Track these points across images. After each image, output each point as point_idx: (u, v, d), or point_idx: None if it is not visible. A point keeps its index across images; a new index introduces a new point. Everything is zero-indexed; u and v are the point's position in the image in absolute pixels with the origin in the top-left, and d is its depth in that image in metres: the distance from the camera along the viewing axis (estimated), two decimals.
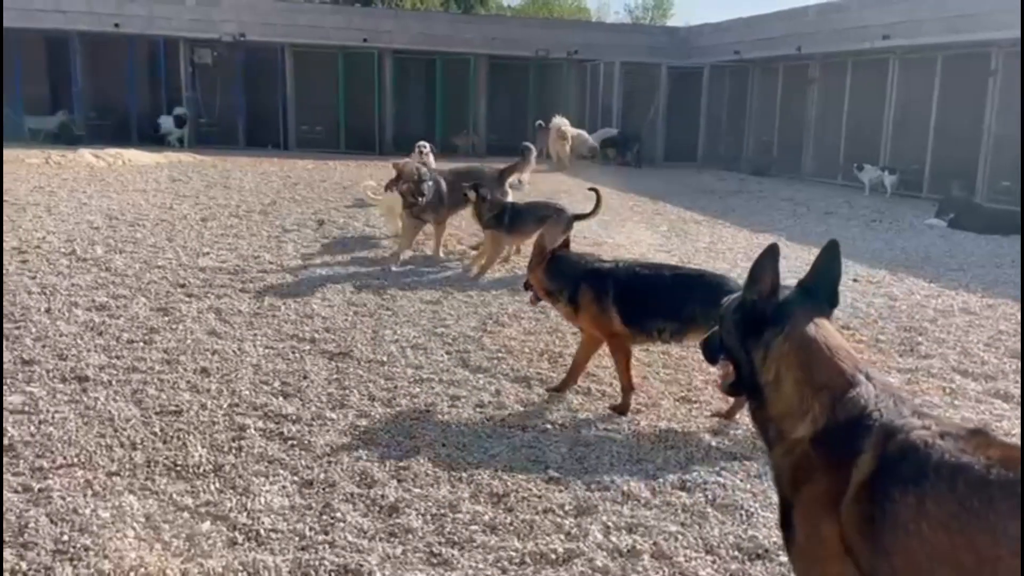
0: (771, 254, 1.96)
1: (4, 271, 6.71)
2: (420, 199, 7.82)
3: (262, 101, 21.65)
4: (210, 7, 22.03)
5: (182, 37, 20.64)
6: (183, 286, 6.55)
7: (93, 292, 6.23)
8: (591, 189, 7.63)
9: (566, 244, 4.74)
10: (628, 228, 10.58)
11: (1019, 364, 5.25)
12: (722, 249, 9.29)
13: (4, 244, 7.73)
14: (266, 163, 17.14)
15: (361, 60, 21.92)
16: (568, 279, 4.42)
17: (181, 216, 9.94)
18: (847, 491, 1.76)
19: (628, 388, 4.35)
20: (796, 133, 18.95)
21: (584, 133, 20.09)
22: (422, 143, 12.87)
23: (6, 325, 5.32)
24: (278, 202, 11.54)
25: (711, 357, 2.23)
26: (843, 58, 17.38)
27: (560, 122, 19.12)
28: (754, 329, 1.95)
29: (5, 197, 10.69)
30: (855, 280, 7.67)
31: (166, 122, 20.38)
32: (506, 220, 7.47)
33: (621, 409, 4.32)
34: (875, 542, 1.73)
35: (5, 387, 4.29)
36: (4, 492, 3.21)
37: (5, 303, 5.80)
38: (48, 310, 5.71)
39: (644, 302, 4.23)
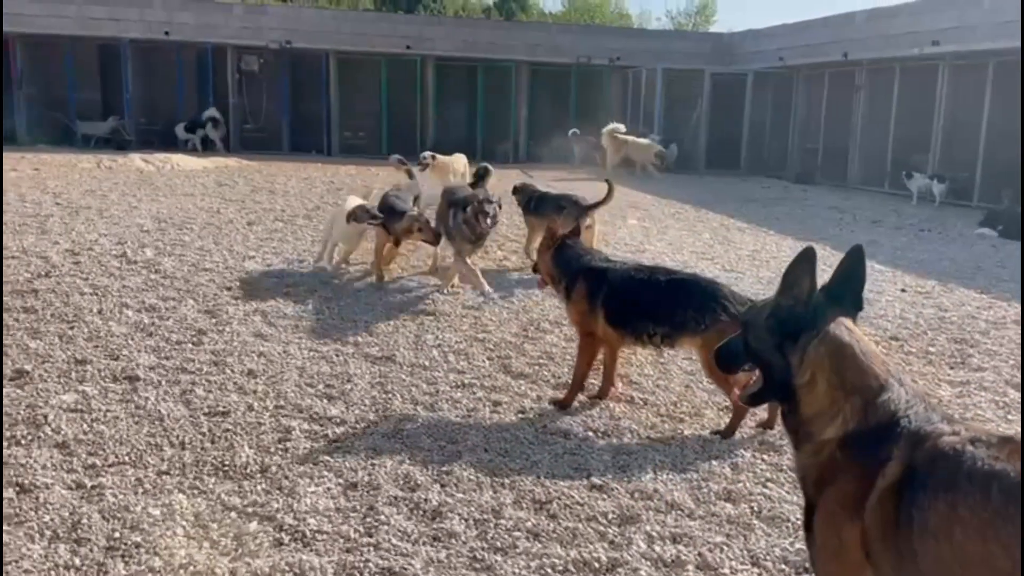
0: (807, 259, 1.98)
1: (58, 272, 6.88)
2: (486, 224, 6.81)
3: (306, 107, 21.93)
4: (258, 15, 22.43)
5: (230, 44, 21.01)
6: (230, 289, 6.66)
7: (143, 294, 6.37)
8: (605, 180, 8.29)
9: (576, 232, 4.75)
10: (670, 235, 10.51)
11: None
12: (766, 257, 9.18)
13: (59, 246, 7.93)
14: (310, 168, 17.36)
15: (404, 67, 22.11)
16: (568, 270, 4.49)
17: (227, 220, 10.11)
18: (871, 495, 1.77)
19: (577, 387, 4.44)
20: (842, 140, 18.66)
21: (647, 140, 19.59)
22: (427, 154, 12.48)
23: (60, 325, 5.46)
24: (322, 207, 11.67)
25: (731, 365, 2.27)
26: (891, 64, 17.08)
27: (615, 128, 18.88)
28: (791, 333, 1.96)
29: (58, 200, 10.99)
30: (903, 290, 7.53)
31: (179, 130, 20.58)
32: (532, 207, 8.36)
33: (561, 403, 4.39)
34: (900, 548, 1.73)
35: (60, 386, 4.40)
36: (59, 489, 3.29)
37: (59, 304, 5.95)
38: (100, 311, 5.84)
39: (635, 305, 4.25)
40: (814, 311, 1.95)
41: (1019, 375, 5.16)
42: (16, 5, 19.76)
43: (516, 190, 8.90)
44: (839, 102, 18.83)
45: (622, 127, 19.17)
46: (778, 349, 1.98)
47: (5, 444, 3.66)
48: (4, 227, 8.80)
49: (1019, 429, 4.29)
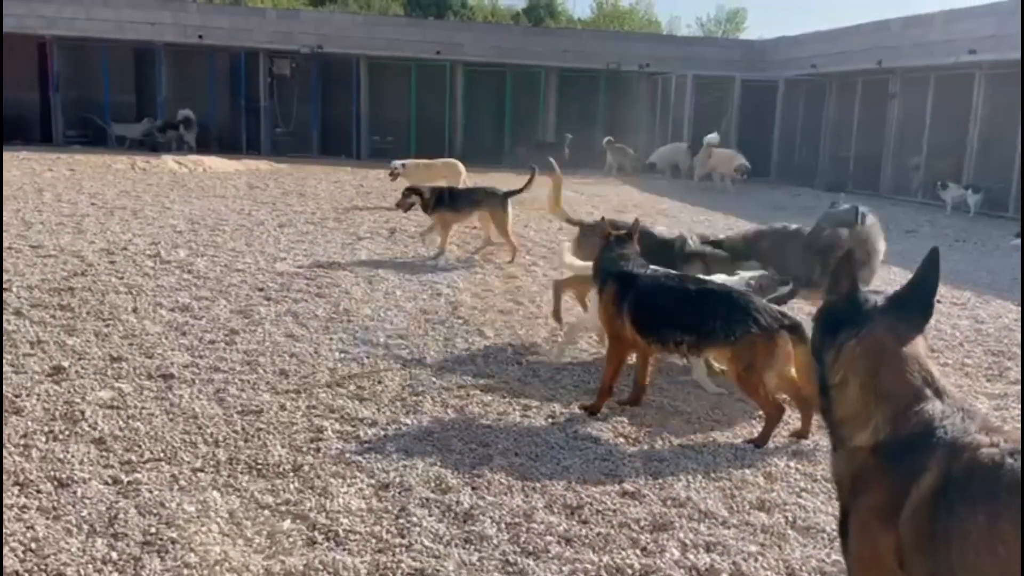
0: (847, 259, 1.98)
1: (94, 271, 6.99)
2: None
3: (336, 111, 22.13)
4: (291, 20, 22.69)
5: (262, 49, 21.26)
6: (261, 290, 6.72)
7: (176, 293, 6.44)
8: (531, 167, 8.90)
9: (632, 232, 4.69)
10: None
11: None
12: None
13: (95, 246, 8.06)
14: (339, 172, 17.48)
15: (433, 72, 22.23)
16: (603, 271, 4.51)
17: (259, 222, 10.20)
18: (906, 506, 1.74)
19: (605, 392, 4.41)
20: (875, 149, 18.45)
21: (731, 152, 18.50)
22: (396, 162, 12.49)
23: (96, 323, 5.54)
24: (351, 210, 11.76)
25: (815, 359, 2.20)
26: (926, 73, 16.87)
27: (712, 138, 18.01)
28: (831, 331, 1.96)
29: (94, 201, 11.17)
30: (939, 301, 7.38)
31: (148, 125, 20.59)
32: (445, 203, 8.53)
33: (591, 409, 4.38)
34: (936, 559, 1.70)
35: (96, 382, 4.46)
36: (96, 484, 3.33)
37: (95, 302, 6.04)
38: (135, 309, 5.92)
39: (663, 312, 4.24)
40: (856, 311, 1.93)
41: None
42: (53, 8, 20.16)
43: (413, 191, 8.78)
44: (872, 110, 18.64)
45: (717, 137, 18.30)
46: (820, 344, 1.99)
47: (43, 439, 3.71)
48: (42, 227, 8.96)
49: None
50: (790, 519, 3.31)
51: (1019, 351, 5.88)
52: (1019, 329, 6.53)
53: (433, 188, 8.88)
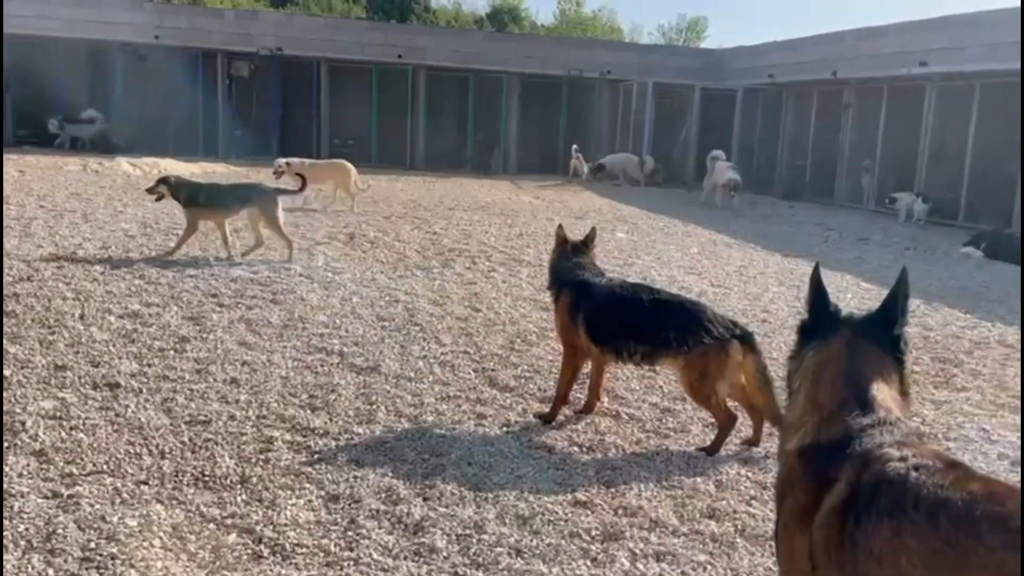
0: (815, 273, 2.08)
1: (40, 276, 6.81)
2: None
3: (296, 114, 21.92)
4: (249, 21, 22.44)
5: (220, 50, 20.96)
6: (215, 296, 6.61)
7: (126, 299, 6.30)
8: (298, 174, 9.18)
9: (588, 240, 4.72)
10: (658, 249, 10.52)
11: None
12: (753, 273, 9.20)
13: (42, 250, 7.86)
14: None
15: (395, 76, 22.13)
16: (558, 279, 4.50)
17: (214, 226, 10.02)
18: (819, 512, 1.80)
19: (560, 400, 4.44)
20: (830, 158, 18.79)
21: (726, 164, 17.10)
22: (280, 160, 12.15)
23: (40, 330, 5.40)
24: (309, 214, 11.63)
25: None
26: (879, 84, 17.23)
27: (717, 154, 17.20)
28: (801, 344, 2.07)
29: (43, 203, 10.91)
30: None
31: (53, 125, 20.05)
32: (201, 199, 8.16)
33: (546, 417, 4.38)
34: (843, 569, 1.75)
35: (39, 392, 4.34)
36: (35, 497, 3.23)
37: (40, 308, 5.89)
38: (82, 316, 5.78)
39: (617, 322, 4.25)
40: (823, 326, 2.01)
41: (1001, 396, 5.18)
42: (6, 6, 19.64)
43: (162, 181, 8.29)
44: (827, 120, 18.99)
45: (722, 153, 17.49)
46: (791, 357, 2.10)
47: None
48: None
49: (1001, 451, 4.30)
50: (739, 527, 3.33)
51: (966, 359, 6.01)
52: (965, 337, 6.67)
53: (185, 181, 8.61)
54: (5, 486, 3.29)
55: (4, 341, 5.10)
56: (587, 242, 4.72)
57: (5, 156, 15.98)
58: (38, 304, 5.97)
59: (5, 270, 6.90)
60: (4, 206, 10.38)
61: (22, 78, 20.18)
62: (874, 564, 1.69)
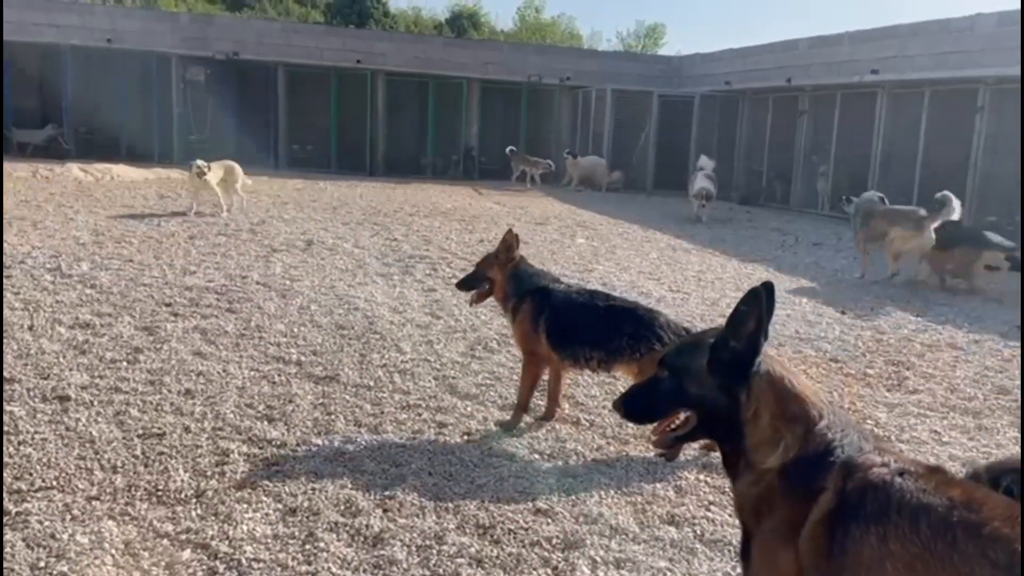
0: (755, 299, 1.97)
1: None
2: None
3: (254, 119, 21.62)
4: (205, 25, 22.11)
5: (175, 54, 20.63)
6: (169, 305, 6.49)
7: (77, 309, 6.16)
8: None
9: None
10: (618, 255, 10.59)
11: (1006, 400, 5.26)
12: (711, 278, 9.30)
13: None
14: (256, 182, 17.04)
15: (354, 81, 21.98)
16: (517, 290, 4.47)
17: (168, 233, 9.88)
18: (805, 524, 1.80)
19: (521, 408, 4.47)
20: (786, 164, 19.10)
21: (703, 174, 16.04)
22: (199, 163, 11.89)
23: None
24: (267, 221, 11.50)
25: (652, 414, 2.12)
26: (832, 91, 17.57)
27: (702, 164, 16.34)
28: (739, 371, 1.95)
29: None
30: (843, 312, 7.70)
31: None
32: None
33: (507, 425, 4.40)
34: None
35: None
36: None
37: None
38: (31, 327, 5.64)
39: (574, 329, 4.26)
40: (755, 350, 1.96)
41: (952, 397, 5.30)
42: None
43: None
44: (783, 126, 19.31)
45: (709, 160, 16.51)
46: (725, 391, 1.97)
47: None
48: None
49: (952, 452, 4.39)
50: (699, 533, 3.36)
51: (917, 361, 6.14)
52: (917, 340, 6.82)
53: None
54: None
55: None
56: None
57: None
58: (2, 305, 5.81)
59: None
60: None
61: None
62: (863, 571, 1.71)
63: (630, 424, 4.51)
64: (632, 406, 2.13)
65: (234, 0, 39.87)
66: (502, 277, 4.55)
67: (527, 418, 4.51)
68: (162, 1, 33.83)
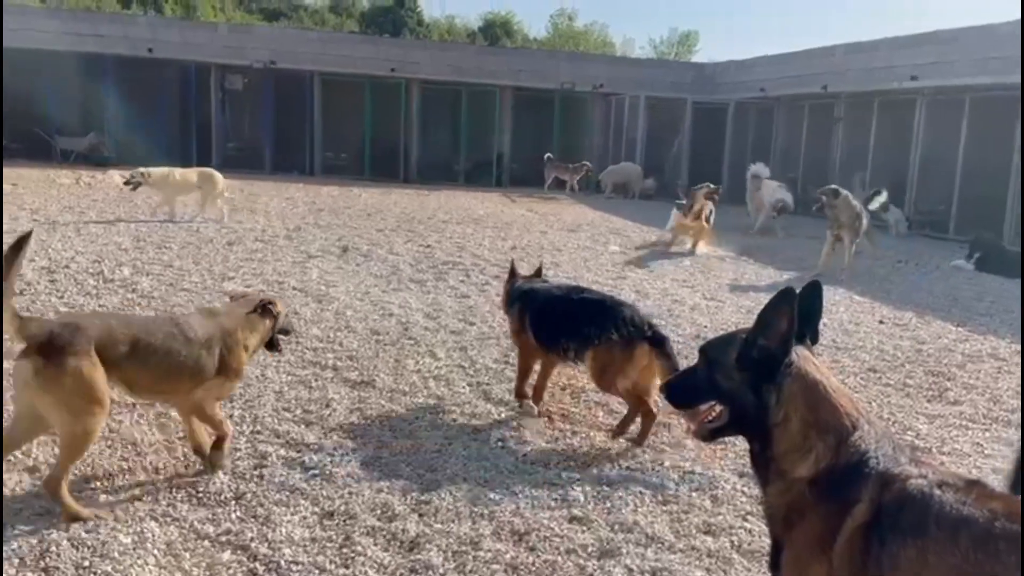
0: (787, 299, 1.96)
1: (33, 290, 6.79)
2: None
3: (289, 127, 21.94)
4: (243, 35, 22.49)
5: (214, 63, 21.00)
6: None
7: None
8: None
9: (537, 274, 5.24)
10: (652, 262, 10.53)
11: None
12: (746, 286, 9.23)
13: (35, 263, 7.83)
14: (291, 188, 17.31)
15: (388, 89, 22.20)
16: (513, 297, 4.93)
17: (207, 239, 10.04)
18: (839, 536, 1.78)
19: (517, 394, 4.81)
20: (822, 171, 18.89)
21: (775, 183, 15.45)
22: (140, 170, 11.48)
23: None
24: (303, 227, 11.63)
25: (690, 402, 2.18)
26: (870, 97, 17.36)
27: (760, 170, 15.62)
28: (768, 373, 1.94)
29: (36, 217, 10.88)
30: (881, 322, 7.59)
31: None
32: None
33: (523, 411, 4.70)
34: None
35: None
36: (28, 514, 3.21)
37: None
38: None
39: (552, 322, 4.62)
40: (787, 351, 1.95)
41: (995, 409, 5.20)
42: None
43: None
44: (819, 132, 19.11)
45: (764, 167, 15.76)
46: (752, 388, 1.96)
47: None
48: None
49: (996, 465, 4.31)
50: (736, 543, 3.33)
51: (958, 372, 6.04)
52: (957, 350, 6.70)
53: None
54: None
55: None
56: (537, 274, 5.21)
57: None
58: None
59: None
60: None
61: (14, 90, 20.14)
62: None
63: (664, 432, 4.50)
64: (673, 389, 2.20)
65: (271, 10, 40.46)
66: (505, 289, 5.14)
67: (561, 425, 4.52)
68: (201, 11, 34.43)
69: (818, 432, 1.88)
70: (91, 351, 3.07)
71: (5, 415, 3.49)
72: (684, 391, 2.15)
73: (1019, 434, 4.66)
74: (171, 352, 3.34)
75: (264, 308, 3.74)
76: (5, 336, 2.98)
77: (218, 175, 12.20)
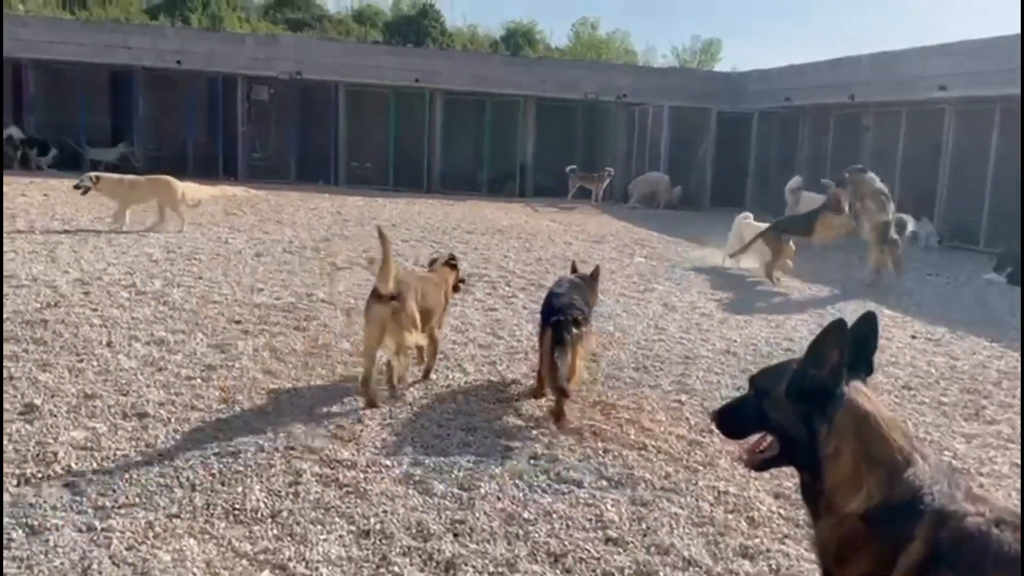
0: (837, 330, 1.95)
1: (68, 302, 6.88)
2: None
3: (314, 137, 22.14)
4: (269, 46, 22.69)
5: (240, 74, 21.23)
6: (239, 322, 6.64)
7: (152, 326, 6.35)
8: None
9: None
10: (677, 273, 10.48)
11: None
12: (776, 300, 9.16)
13: (69, 275, 7.94)
14: (317, 199, 17.42)
15: (412, 99, 22.33)
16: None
17: (236, 251, 10.12)
18: (892, 574, 1.74)
19: (539, 381, 5.32)
20: None
21: (814, 196, 14.61)
22: (91, 174, 11.39)
23: (70, 357, 5.44)
24: (330, 239, 11.70)
25: (740, 432, 2.19)
26: (898, 107, 17.21)
27: (798, 183, 15.22)
28: (819, 403, 1.93)
29: (67, 227, 11.03)
30: (914, 337, 7.51)
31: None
32: None
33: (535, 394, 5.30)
34: None
35: (70, 421, 4.37)
36: (69, 531, 3.24)
37: (69, 335, 5.93)
38: (109, 343, 5.82)
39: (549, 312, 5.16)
40: (838, 382, 1.93)
41: None
42: (30, 31, 20.03)
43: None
44: (845, 142, 18.96)
45: (800, 180, 15.42)
46: (803, 419, 1.95)
47: (15, 482, 3.62)
48: (14, 255, 8.81)
49: None
50: (774, 567, 3.30)
51: (994, 390, 5.95)
52: (993, 367, 6.61)
53: None
54: (40, 520, 3.30)
55: (34, 368, 5.14)
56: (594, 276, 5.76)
57: (29, 180, 16.21)
58: (66, 331, 6.02)
59: (33, 296, 6.97)
60: (30, 231, 10.50)
61: (44, 101, 20.51)
62: None
63: (698, 451, 4.47)
64: (723, 419, 2.18)
65: (296, 20, 40.82)
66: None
67: (593, 443, 4.50)
68: (228, 23, 34.83)
69: (869, 466, 1.86)
70: (412, 299, 4.96)
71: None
72: (734, 421, 2.14)
73: None
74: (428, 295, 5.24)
75: (451, 262, 5.78)
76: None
77: (176, 182, 11.67)
